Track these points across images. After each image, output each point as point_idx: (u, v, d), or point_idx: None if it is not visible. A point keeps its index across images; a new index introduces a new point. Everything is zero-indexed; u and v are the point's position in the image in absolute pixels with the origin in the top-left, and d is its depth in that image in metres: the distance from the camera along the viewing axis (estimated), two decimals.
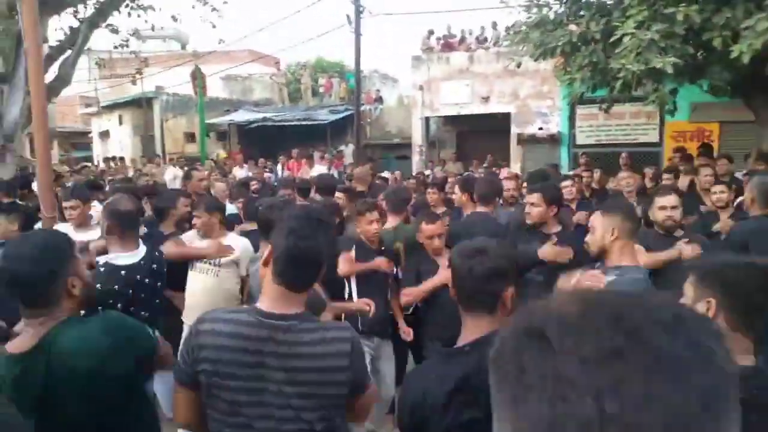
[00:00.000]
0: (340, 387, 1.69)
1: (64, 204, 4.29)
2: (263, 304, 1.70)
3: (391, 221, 4.36)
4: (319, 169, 13.21)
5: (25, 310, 1.73)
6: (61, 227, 4.26)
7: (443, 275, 3.38)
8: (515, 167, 13.83)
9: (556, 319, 0.57)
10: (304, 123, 18.04)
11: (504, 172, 9.05)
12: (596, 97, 9.35)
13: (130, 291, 2.93)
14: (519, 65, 9.67)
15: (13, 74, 11.95)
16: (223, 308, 2.01)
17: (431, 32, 17.62)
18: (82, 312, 1.83)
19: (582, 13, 7.94)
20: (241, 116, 20.01)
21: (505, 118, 15.71)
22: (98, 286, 2.44)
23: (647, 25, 6.30)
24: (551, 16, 8.39)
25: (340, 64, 25.32)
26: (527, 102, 15.54)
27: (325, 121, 18.05)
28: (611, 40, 6.83)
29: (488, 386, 0.62)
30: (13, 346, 1.69)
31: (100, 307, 2.02)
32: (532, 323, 0.58)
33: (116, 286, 2.85)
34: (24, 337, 1.70)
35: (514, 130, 15.61)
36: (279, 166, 14.49)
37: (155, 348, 1.88)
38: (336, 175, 12.72)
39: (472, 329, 1.70)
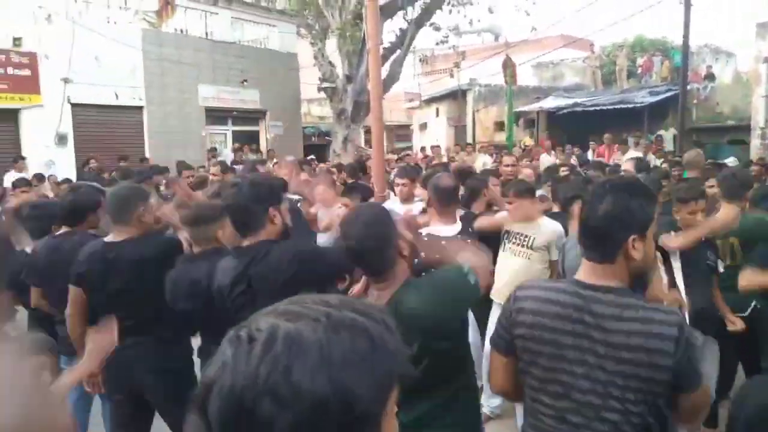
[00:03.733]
0: (660, 372, 1.52)
1: (396, 181, 4.86)
2: (579, 275, 1.68)
3: (725, 210, 3.81)
4: (632, 155, 12.27)
5: (370, 277, 1.96)
6: (390, 201, 4.91)
7: None
8: None
9: None
10: (618, 107, 16.91)
11: None
12: None
13: None
14: None
15: (356, 75, 13.90)
16: (542, 279, 2.02)
17: None
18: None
19: None
20: (549, 103, 19.76)
21: None
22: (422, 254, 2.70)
23: None
24: None
25: (663, 41, 23.01)
26: None
27: (643, 104, 16.62)
28: None
29: None
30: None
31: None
32: None
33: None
34: (375, 301, 1.91)
35: None
36: (589, 153, 13.89)
37: (478, 291, 1.97)
38: (653, 162, 11.67)
39: None
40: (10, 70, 11.92)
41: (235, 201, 2.40)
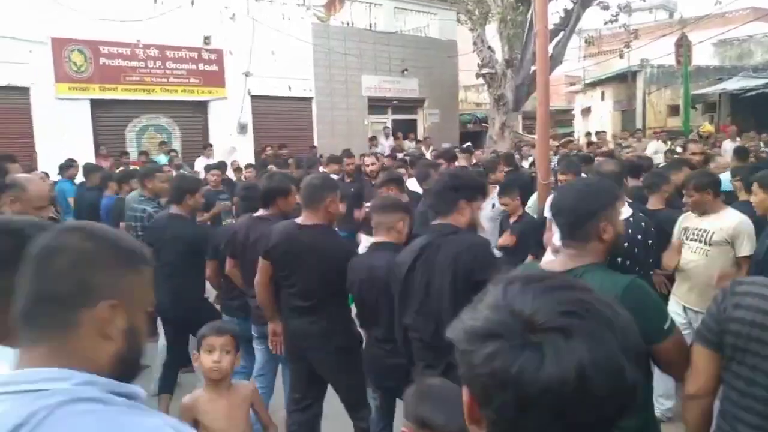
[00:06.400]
0: None
1: (560, 177, 4.77)
2: None
3: None
4: None
5: (563, 239, 1.91)
6: None
7: None
8: None
9: None
10: None
11: None
12: None
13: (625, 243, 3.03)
14: None
15: (521, 59, 13.61)
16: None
17: None
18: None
19: None
20: (734, 84, 17.74)
21: None
22: None
23: None
24: None
25: None
26: None
27: None
28: None
29: None
30: (547, 264, 1.96)
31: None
32: None
33: None
34: (557, 260, 1.93)
35: None
36: None
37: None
38: None
39: None
40: (201, 66, 13.32)
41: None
